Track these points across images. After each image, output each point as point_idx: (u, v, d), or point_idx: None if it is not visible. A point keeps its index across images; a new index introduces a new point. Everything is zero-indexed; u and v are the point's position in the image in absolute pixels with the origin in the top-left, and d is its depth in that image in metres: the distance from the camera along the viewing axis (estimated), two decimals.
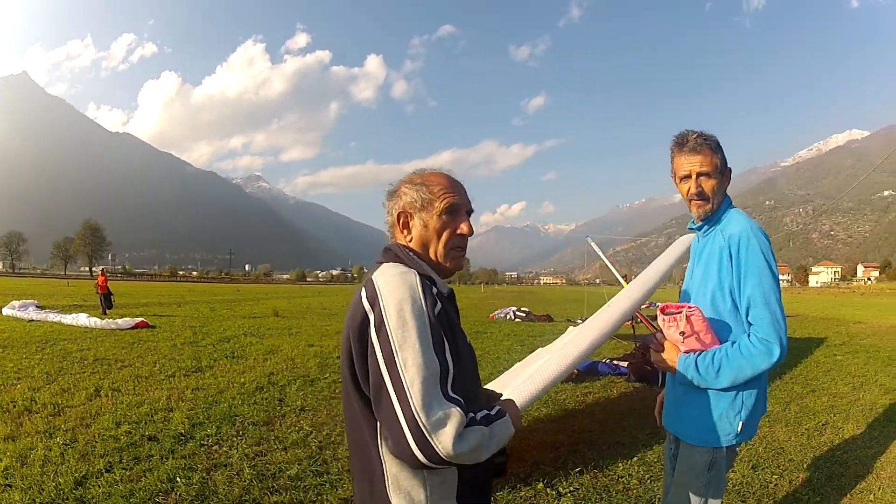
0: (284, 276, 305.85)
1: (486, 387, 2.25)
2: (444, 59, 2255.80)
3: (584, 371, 10.52)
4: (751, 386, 2.55)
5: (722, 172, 2.78)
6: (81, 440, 6.05)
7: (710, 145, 2.73)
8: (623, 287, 9.87)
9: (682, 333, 2.51)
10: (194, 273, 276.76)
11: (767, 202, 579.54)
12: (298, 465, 5.54)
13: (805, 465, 5.77)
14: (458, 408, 1.54)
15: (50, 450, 5.68)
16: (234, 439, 6.24)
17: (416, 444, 1.49)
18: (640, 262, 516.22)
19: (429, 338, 1.60)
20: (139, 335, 15.39)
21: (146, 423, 6.72)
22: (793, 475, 5.46)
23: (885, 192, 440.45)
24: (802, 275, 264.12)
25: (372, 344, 1.63)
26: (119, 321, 17.24)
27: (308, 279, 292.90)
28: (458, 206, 1.90)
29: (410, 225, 1.90)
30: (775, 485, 5.24)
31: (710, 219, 2.84)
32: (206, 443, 6.11)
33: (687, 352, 2.56)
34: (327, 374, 10.11)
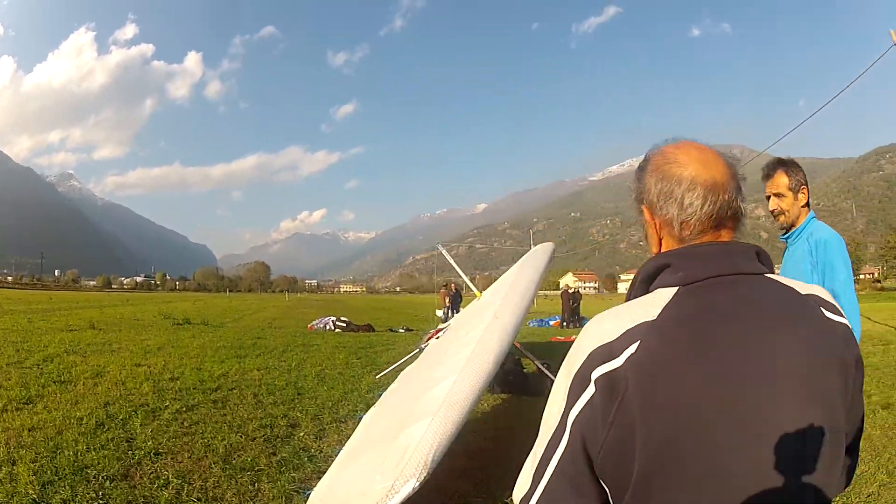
0: (91, 283, 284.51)
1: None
2: (262, 60, 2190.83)
3: None
4: None
5: (796, 190, 3.62)
6: None
7: (784, 169, 3.64)
8: (478, 296, 10.32)
9: None
10: (9, 278, 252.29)
11: (573, 214, 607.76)
12: None
13: None
14: None
15: None
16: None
17: None
18: (438, 270, 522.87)
19: None
20: None
21: None
22: None
23: None
24: (611, 282, 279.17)
25: (855, 380, 1.34)
26: None
27: (113, 286, 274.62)
28: None
29: None
30: None
31: (794, 229, 3.70)
32: None
33: None
34: (166, 402, 9.15)
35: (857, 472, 6.07)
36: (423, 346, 11.87)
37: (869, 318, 25.51)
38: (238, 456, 6.71)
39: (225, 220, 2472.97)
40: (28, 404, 8.72)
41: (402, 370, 9.35)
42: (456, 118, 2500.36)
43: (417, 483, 3.80)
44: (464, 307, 16.02)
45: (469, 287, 13.12)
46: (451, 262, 13.44)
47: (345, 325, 25.56)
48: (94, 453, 6.44)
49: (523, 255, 10.26)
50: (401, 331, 26.07)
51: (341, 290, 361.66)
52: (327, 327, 25.28)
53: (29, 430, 7.27)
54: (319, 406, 9.47)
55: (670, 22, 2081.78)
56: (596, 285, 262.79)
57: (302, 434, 7.80)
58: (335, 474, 4.97)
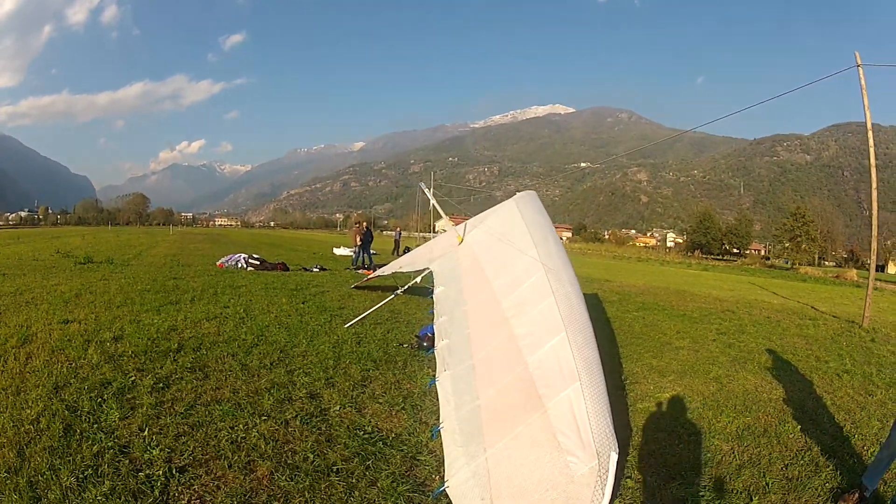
0: None
1: None
2: None
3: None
4: None
5: None
6: None
7: None
8: (459, 240, 9.70)
9: None
10: None
11: (451, 159, 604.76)
12: None
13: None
14: None
15: None
16: None
17: None
18: (312, 206, 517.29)
19: None
20: None
21: None
22: None
23: (583, 164, 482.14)
24: None
25: None
26: None
27: None
28: None
29: None
30: None
31: None
32: None
33: None
34: (131, 377, 7.13)
35: (850, 428, 6.92)
36: (399, 291, 11.16)
37: (776, 294, 26.99)
38: (292, 453, 5.37)
39: (107, 151, 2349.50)
40: None
41: (377, 318, 10.70)
42: (342, 56, 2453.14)
43: (616, 454, 3.85)
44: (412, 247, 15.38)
45: (448, 226, 12.14)
46: (433, 201, 12.81)
47: (258, 262, 23.39)
48: (92, 491, 4.46)
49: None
50: (315, 269, 24.18)
51: (216, 223, 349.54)
52: (239, 265, 23.07)
53: None
54: (317, 366, 8.17)
55: None
56: None
57: (338, 408, 6.55)
58: (483, 463, 4.51)
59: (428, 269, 10.01)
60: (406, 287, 11.28)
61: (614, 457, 3.87)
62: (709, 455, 5.90)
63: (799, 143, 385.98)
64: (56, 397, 6.27)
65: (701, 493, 5.10)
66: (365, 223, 30.31)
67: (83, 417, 5.79)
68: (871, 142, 17.24)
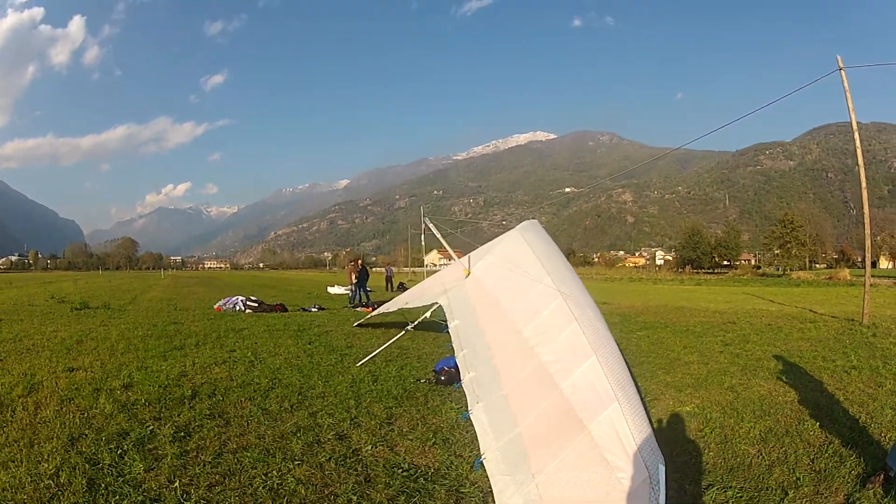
0: None
1: None
2: (140, 26, 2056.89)
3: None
4: None
5: None
6: None
7: None
8: (466, 273, 9.61)
9: None
10: None
11: (436, 192, 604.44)
12: None
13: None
14: None
15: None
16: None
17: None
18: (300, 245, 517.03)
19: None
20: None
21: None
22: None
23: (567, 189, 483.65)
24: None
25: None
26: None
27: None
28: None
29: None
30: None
31: None
32: None
33: None
34: (149, 426, 6.91)
35: (866, 419, 7.26)
36: (409, 327, 11.26)
37: (772, 302, 27.67)
38: (334, 496, 5.22)
39: (92, 194, 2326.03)
40: None
41: (388, 355, 10.87)
42: (323, 94, 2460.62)
43: (664, 465, 4.03)
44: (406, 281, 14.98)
45: (454, 258, 12.04)
46: (438, 236, 12.40)
47: (256, 304, 23.13)
48: None
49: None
50: (314, 309, 23.89)
51: (206, 266, 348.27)
52: (237, 307, 22.81)
53: None
54: (339, 406, 8.03)
55: (554, 9, 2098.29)
56: None
57: (369, 448, 6.40)
58: (534, 489, 4.58)
59: (437, 303, 9.91)
60: (417, 322, 11.21)
61: (662, 468, 4.10)
62: (738, 459, 6.09)
63: (781, 149, 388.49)
64: (73, 450, 6.02)
65: (739, 495, 5.24)
66: (360, 261, 30.10)
67: (105, 470, 5.54)
68: (857, 143, 17.59)
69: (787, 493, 5.25)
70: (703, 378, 9.81)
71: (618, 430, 4.52)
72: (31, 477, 5.30)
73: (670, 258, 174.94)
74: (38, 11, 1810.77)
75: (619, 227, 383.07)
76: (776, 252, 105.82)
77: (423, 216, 14.43)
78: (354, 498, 5.17)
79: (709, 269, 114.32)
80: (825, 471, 5.70)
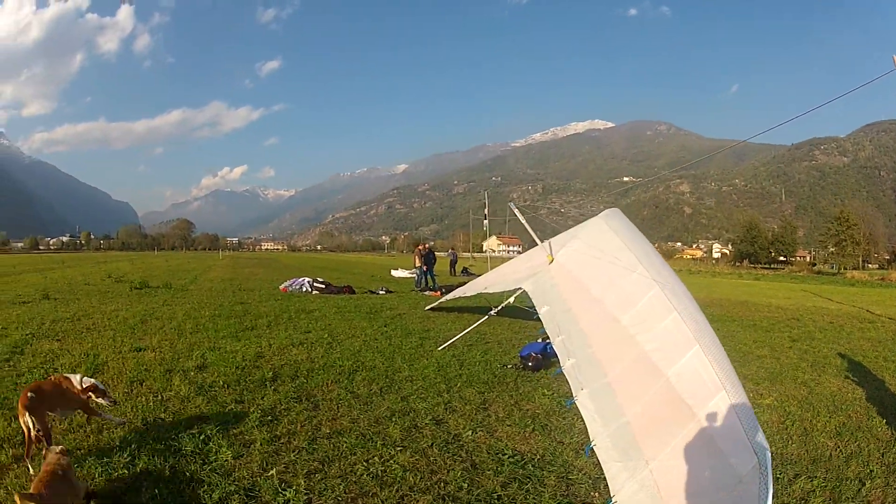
0: (20, 245, 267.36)
1: None
2: (191, 14, 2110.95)
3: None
4: None
5: None
6: None
7: None
8: (550, 259, 9.52)
9: None
10: None
11: (494, 178, 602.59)
12: None
13: None
14: None
15: None
16: None
17: None
18: (358, 229, 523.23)
19: None
20: None
21: None
22: None
23: (625, 178, 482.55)
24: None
25: None
26: None
27: (40, 247, 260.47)
28: None
29: None
30: None
31: None
32: None
33: None
34: (230, 407, 6.78)
35: None
36: (493, 311, 11.31)
37: (830, 300, 27.55)
38: (444, 483, 5.06)
39: (146, 177, 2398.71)
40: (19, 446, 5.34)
41: (467, 340, 11.13)
42: (380, 80, 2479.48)
43: (769, 451, 4.21)
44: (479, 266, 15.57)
45: (538, 243, 11.40)
46: (523, 221, 11.99)
47: (323, 286, 23.18)
48: None
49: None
50: (381, 292, 23.75)
51: (262, 247, 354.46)
52: (303, 289, 22.93)
53: None
54: (429, 390, 7.90)
55: None
56: (520, 249, 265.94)
57: (469, 434, 6.30)
58: (649, 475, 4.66)
59: (520, 288, 9.75)
60: (501, 307, 11.14)
61: (769, 454, 4.21)
62: (818, 451, 6.30)
63: (836, 145, 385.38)
64: (149, 435, 5.70)
65: (823, 485, 5.44)
66: (427, 245, 29.90)
67: (188, 458, 5.24)
68: None
69: (863, 484, 5.50)
70: (778, 372, 10.03)
71: (727, 417, 4.67)
72: (103, 466, 4.97)
73: (727, 251, 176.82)
74: (83, 1, 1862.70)
75: (677, 219, 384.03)
76: (831, 250, 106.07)
77: (510, 202, 14.13)
78: (465, 485, 5.03)
79: (765, 264, 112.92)
80: (893, 464, 6.02)
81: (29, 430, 4.74)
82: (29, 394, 4.90)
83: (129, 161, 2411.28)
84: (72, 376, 5.52)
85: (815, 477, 5.55)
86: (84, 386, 5.46)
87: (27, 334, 11.06)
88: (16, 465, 4.95)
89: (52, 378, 5.63)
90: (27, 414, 4.75)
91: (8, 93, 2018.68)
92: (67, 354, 9.27)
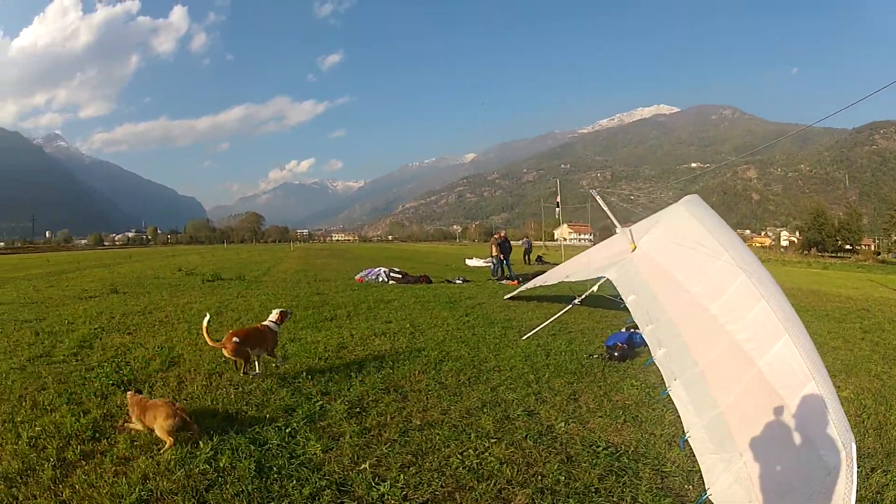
0: (83, 241, 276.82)
1: None
2: (248, 12, 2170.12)
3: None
4: None
5: None
6: None
7: None
8: (633, 247, 9.56)
9: None
10: (1, 244, 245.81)
11: (563, 165, 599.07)
12: None
13: None
14: None
15: None
16: None
17: None
18: (429, 219, 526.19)
19: None
20: None
21: None
22: None
23: (693, 164, 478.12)
24: (607, 234, 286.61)
25: None
26: None
27: (105, 243, 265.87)
28: None
29: None
30: None
31: None
32: None
33: None
34: (315, 398, 6.69)
35: None
36: (576, 301, 11.45)
37: None
38: (541, 476, 4.95)
39: (212, 172, 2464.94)
40: (97, 455, 5.08)
41: (550, 329, 11.07)
42: (444, 70, 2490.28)
43: (855, 444, 4.16)
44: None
45: (619, 230, 11.41)
46: (605, 207, 12.35)
47: (400, 276, 23.19)
48: None
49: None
50: (458, 281, 23.70)
51: (333, 238, 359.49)
52: (380, 279, 22.98)
53: None
54: (518, 381, 7.78)
55: None
56: (591, 237, 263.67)
57: (562, 425, 6.19)
58: (743, 467, 4.68)
59: (604, 277, 9.66)
60: (585, 296, 11.20)
61: (854, 446, 4.17)
62: (892, 445, 6.13)
63: (895, 129, 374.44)
64: (231, 429, 5.59)
65: None
66: (504, 234, 29.74)
67: (274, 452, 5.12)
68: None
69: None
70: (852, 364, 9.85)
71: (817, 408, 4.61)
72: (181, 462, 4.83)
73: (794, 239, 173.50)
74: (133, 4, 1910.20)
75: (745, 205, 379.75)
76: (894, 238, 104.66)
77: (592, 189, 14.02)
78: (562, 478, 4.91)
79: (832, 252, 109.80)
80: None
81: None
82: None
83: (193, 157, 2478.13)
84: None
85: (889, 471, 5.44)
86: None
87: (96, 328, 11.17)
88: (84, 462, 4.81)
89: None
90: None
91: (62, 96, 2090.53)
92: (140, 347, 9.30)
